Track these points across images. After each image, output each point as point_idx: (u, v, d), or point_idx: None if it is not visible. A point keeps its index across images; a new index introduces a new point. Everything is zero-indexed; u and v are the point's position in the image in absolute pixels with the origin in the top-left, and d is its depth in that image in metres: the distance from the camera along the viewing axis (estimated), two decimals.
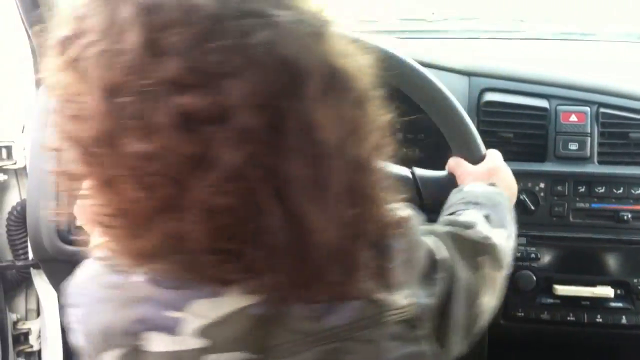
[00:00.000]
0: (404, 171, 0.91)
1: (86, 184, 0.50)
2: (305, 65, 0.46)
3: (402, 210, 0.58)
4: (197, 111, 0.44)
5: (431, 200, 0.88)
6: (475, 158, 0.89)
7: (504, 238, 0.74)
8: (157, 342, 0.52)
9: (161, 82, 0.44)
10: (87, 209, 0.51)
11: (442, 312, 0.61)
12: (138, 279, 0.52)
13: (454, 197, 0.82)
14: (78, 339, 0.57)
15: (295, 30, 0.47)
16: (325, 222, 0.48)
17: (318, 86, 0.47)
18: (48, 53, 0.50)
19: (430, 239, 0.64)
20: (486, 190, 0.81)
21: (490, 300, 0.68)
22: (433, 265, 0.62)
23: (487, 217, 0.74)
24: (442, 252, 0.63)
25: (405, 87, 0.88)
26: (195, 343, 0.51)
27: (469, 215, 0.75)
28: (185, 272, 0.50)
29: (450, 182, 0.89)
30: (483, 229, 0.71)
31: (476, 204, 0.78)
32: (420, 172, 0.92)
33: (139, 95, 0.44)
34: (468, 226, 0.71)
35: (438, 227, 0.69)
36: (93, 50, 0.46)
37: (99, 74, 0.45)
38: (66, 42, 0.48)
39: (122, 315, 0.53)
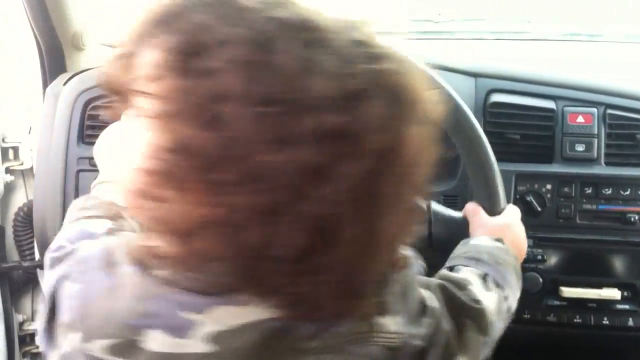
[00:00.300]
0: (420, 201, 0.90)
1: (169, 186, 0.49)
2: (416, 94, 0.52)
3: (406, 250, 0.61)
4: (335, 128, 0.47)
5: (438, 238, 0.87)
6: (494, 211, 0.88)
7: (498, 300, 0.73)
8: (157, 341, 0.52)
9: (309, 98, 0.46)
10: (157, 212, 0.50)
11: (419, 356, 0.62)
12: (158, 274, 0.53)
13: (459, 249, 0.82)
14: (64, 314, 0.56)
15: (405, 62, 0.52)
16: (389, 236, 0.53)
17: (420, 113, 0.52)
18: (150, 57, 0.50)
19: (422, 288, 0.65)
20: (491, 246, 0.81)
21: None
22: (422, 309, 0.62)
23: (484, 277, 0.74)
24: (433, 301, 0.64)
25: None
26: (201, 348, 0.51)
27: (465, 273, 0.75)
28: (237, 277, 0.51)
29: (463, 227, 0.88)
30: (476, 290, 0.71)
31: (478, 260, 0.77)
32: (436, 207, 0.90)
33: (284, 108, 0.46)
34: (460, 285, 0.71)
35: (432, 279, 0.70)
36: (236, 61, 0.46)
37: (244, 85, 0.46)
38: (193, 50, 0.48)
39: (128, 306, 0.53)
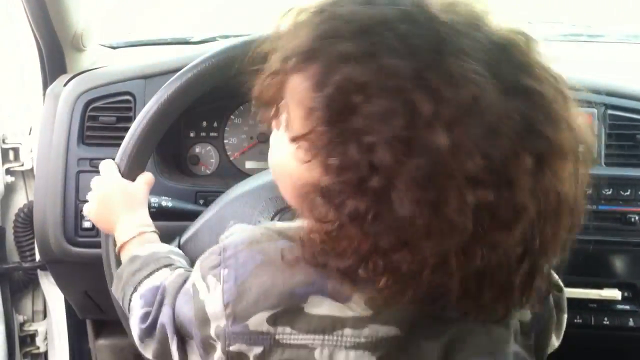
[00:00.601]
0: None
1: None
2: (563, 135, 0.54)
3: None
4: (491, 202, 0.48)
5: None
6: None
7: None
8: (321, 306, 0.54)
9: (461, 176, 0.47)
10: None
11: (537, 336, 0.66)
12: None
13: None
14: (214, 301, 0.58)
15: (549, 99, 0.55)
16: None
17: (571, 144, 0.55)
18: (301, 90, 0.53)
19: None
20: None
21: (555, 342, 0.72)
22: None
23: None
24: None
25: None
26: (361, 312, 0.54)
27: None
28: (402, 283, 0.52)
29: None
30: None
31: None
32: None
33: (440, 187, 0.48)
34: None
35: None
36: (389, 139, 0.48)
37: (399, 162, 0.48)
38: (344, 108, 0.49)
39: (287, 277, 0.55)
